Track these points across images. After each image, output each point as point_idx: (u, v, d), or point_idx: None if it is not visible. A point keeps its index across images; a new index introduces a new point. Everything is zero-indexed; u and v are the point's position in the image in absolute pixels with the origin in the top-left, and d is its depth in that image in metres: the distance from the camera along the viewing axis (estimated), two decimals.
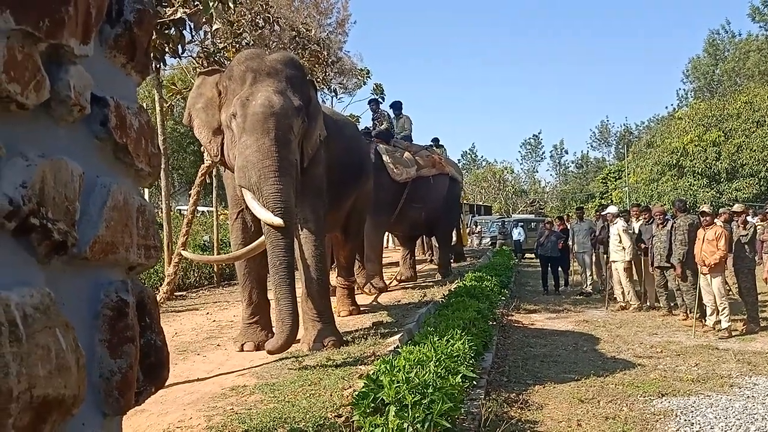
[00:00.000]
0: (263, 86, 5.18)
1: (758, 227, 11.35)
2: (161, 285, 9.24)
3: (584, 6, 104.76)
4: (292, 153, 5.17)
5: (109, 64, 0.84)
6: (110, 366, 0.76)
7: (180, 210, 17.97)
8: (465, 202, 17.39)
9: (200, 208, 21.43)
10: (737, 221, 9.02)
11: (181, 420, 3.65)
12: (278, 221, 4.89)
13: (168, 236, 9.97)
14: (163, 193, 10.46)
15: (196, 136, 5.92)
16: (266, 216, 4.95)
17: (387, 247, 17.66)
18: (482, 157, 70.67)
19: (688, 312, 9.00)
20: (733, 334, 7.92)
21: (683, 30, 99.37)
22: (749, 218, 11.22)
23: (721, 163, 27.75)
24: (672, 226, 9.30)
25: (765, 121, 27.19)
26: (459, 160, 57.70)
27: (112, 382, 0.77)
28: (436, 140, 16.05)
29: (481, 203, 41.75)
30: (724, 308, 7.98)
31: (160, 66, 8.97)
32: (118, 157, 0.83)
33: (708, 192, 27.15)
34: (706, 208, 8.85)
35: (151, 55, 8.54)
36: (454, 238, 14.23)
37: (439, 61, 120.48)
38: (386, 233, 13.44)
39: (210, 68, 6.63)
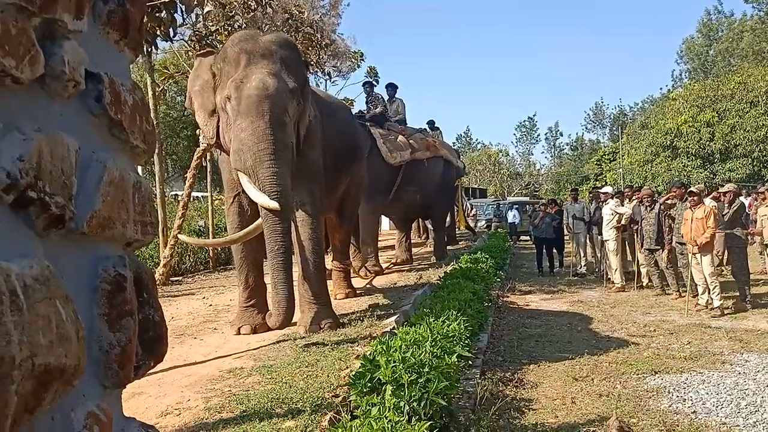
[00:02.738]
0: (258, 68, 5.13)
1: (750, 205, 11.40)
2: (157, 268, 9.25)
3: None
4: (287, 135, 5.14)
5: (102, 41, 0.84)
6: (109, 339, 0.78)
7: (174, 195, 17.93)
8: (460, 185, 17.39)
9: (194, 194, 21.39)
10: (724, 200, 9.07)
11: (179, 402, 3.68)
12: (274, 205, 4.87)
13: (163, 221, 9.96)
14: (156, 178, 10.43)
15: (197, 119, 5.89)
16: (262, 199, 4.94)
17: (383, 231, 17.69)
18: (477, 140, 70.77)
19: (680, 291, 9.10)
20: (725, 312, 7.99)
21: (678, 10, 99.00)
22: (742, 198, 11.30)
23: (714, 143, 27.82)
24: (660, 208, 9.43)
25: (759, 102, 27.24)
26: (454, 143, 57.63)
27: (112, 355, 0.78)
28: (431, 123, 16.04)
29: (476, 186, 41.79)
30: (715, 287, 8.05)
31: (151, 49, 8.92)
32: (113, 134, 0.84)
33: (701, 173, 27.26)
34: (694, 188, 8.87)
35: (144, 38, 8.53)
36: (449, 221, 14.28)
37: (434, 44, 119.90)
38: (382, 216, 13.47)
39: (206, 50, 6.59)
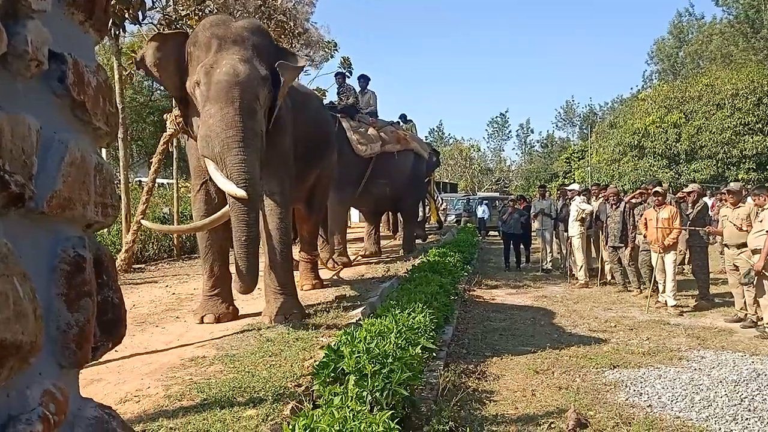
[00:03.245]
0: (228, 54, 5.06)
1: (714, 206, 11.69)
2: (118, 255, 9.09)
3: None
4: (257, 123, 5.08)
5: (67, 21, 0.84)
6: (67, 319, 0.78)
7: (139, 181, 17.63)
8: (432, 179, 17.50)
9: (160, 180, 21.05)
10: (688, 201, 9.30)
11: (138, 389, 3.65)
12: (241, 193, 4.82)
13: (126, 207, 9.80)
14: (121, 164, 10.26)
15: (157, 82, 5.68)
16: (230, 188, 4.88)
17: (352, 223, 17.71)
18: (449, 134, 71.05)
19: (641, 289, 9.32)
20: (684, 311, 8.22)
21: (652, 11, 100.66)
22: (705, 199, 11.61)
23: (680, 144, 28.44)
24: (625, 207, 9.64)
25: (725, 105, 27.91)
26: (426, 137, 57.84)
27: (69, 335, 0.78)
28: (403, 116, 16.06)
29: (447, 181, 42.01)
30: (673, 287, 8.27)
31: (119, 32, 8.74)
32: (75, 115, 0.84)
33: (667, 173, 27.84)
34: (659, 188, 9.06)
35: (111, 20, 8.34)
36: (422, 215, 14.34)
37: (409, 38, 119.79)
38: (351, 208, 13.46)
39: (172, 31, 6.46)
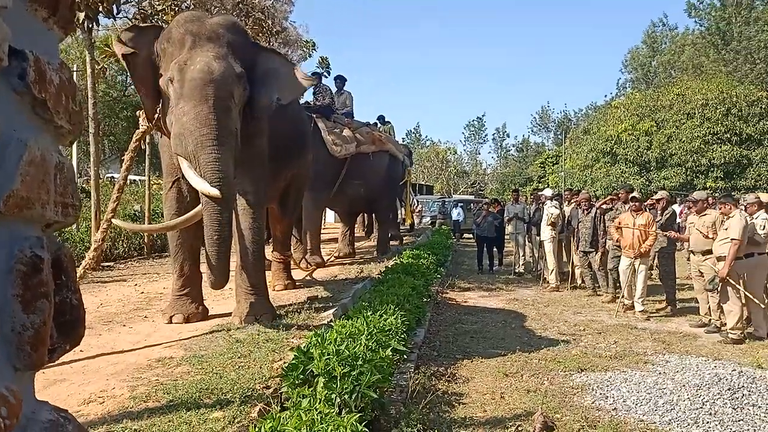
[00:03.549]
0: (203, 51, 5.00)
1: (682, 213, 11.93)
2: (87, 252, 8.92)
3: None
4: (232, 121, 5.03)
5: (29, 17, 0.83)
6: (23, 321, 0.77)
7: (111, 177, 17.35)
8: (408, 181, 17.55)
9: (132, 177, 20.73)
10: (657, 207, 9.48)
11: (103, 390, 3.59)
12: (215, 192, 4.77)
13: (96, 204, 9.64)
14: (92, 159, 10.08)
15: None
16: (203, 186, 4.82)
17: (326, 224, 17.66)
18: (426, 136, 71.25)
19: (611, 293, 9.46)
20: (651, 316, 8.36)
21: (626, 21, 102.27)
22: (675, 206, 11.85)
23: (651, 152, 28.94)
24: (596, 212, 9.79)
25: (695, 114, 28.49)
26: (403, 138, 57.95)
27: (25, 336, 0.77)
28: (381, 118, 16.07)
29: (423, 183, 42.13)
30: (643, 292, 8.41)
31: (92, 26, 8.60)
32: (36, 113, 0.82)
33: (638, 179, 28.30)
34: (636, 194, 9.15)
35: (84, 13, 8.20)
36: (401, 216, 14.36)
37: (387, 41, 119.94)
38: (326, 209, 13.43)
39: (146, 25, 6.37)
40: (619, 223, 8.72)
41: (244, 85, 5.23)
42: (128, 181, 12.00)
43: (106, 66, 11.02)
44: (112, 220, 5.47)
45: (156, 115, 5.42)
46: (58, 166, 0.86)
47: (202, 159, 4.82)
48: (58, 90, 0.86)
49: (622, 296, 8.77)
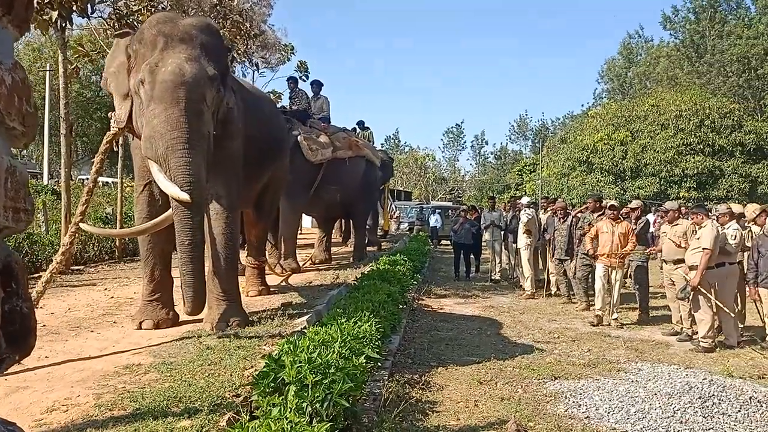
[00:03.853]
0: (175, 53, 4.93)
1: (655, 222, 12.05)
2: (55, 256, 8.75)
3: (511, 3, 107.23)
4: (204, 125, 4.96)
5: None
6: None
7: (83, 180, 17.08)
8: (386, 187, 17.58)
9: (105, 179, 20.40)
10: (631, 217, 9.56)
11: (67, 398, 3.49)
12: (185, 196, 4.70)
13: (66, 206, 9.45)
14: (63, 161, 9.89)
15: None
16: (173, 191, 4.75)
17: (303, 229, 17.57)
18: (405, 142, 71.44)
19: (589, 302, 9.49)
20: (624, 324, 8.41)
21: (604, 32, 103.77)
22: (649, 215, 11.99)
23: (626, 161, 29.36)
24: (572, 221, 9.84)
25: (669, 125, 29.00)
26: (382, 144, 58.01)
27: None
28: (361, 123, 16.07)
29: (401, 189, 42.22)
30: (617, 302, 8.44)
31: (65, 25, 8.45)
32: None
33: (613, 188, 28.67)
34: (615, 202, 9.15)
35: (57, 12, 8.05)
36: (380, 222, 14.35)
37: (367, 47, 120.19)
38: (303, 215, 13.34)
39: (124, 30, 6.29)
40: (596, 231, 8.59)
41: (218, 88, 5.16)
42: (100, 184, 11.84)
43: (79, 66, 10.82)
44: (81, 225, 5.37)
45: (127, 118, 5.33)
46: (9, 169, 0.82)
47: (173, 162, 4.75)
48: (11, 90, 0.82)
49: (598, 306, 8.57)
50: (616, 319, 8.38)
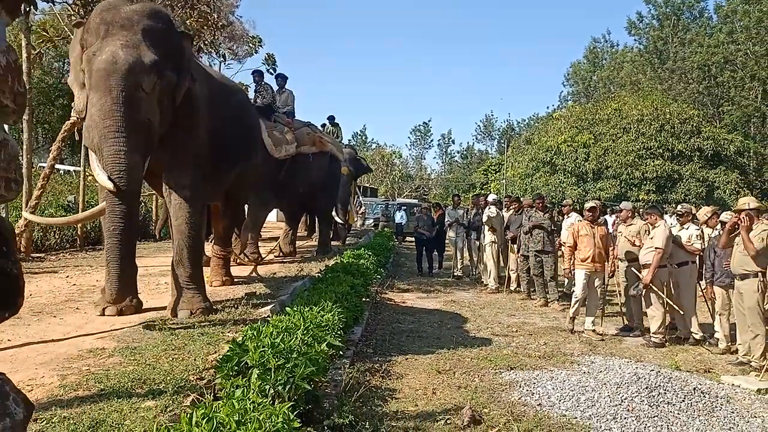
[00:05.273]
0: (113, 40, 4.93)
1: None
2: None
3: (481, 6, 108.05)
4: (140, 113, 4.97)
5: None
6: None
7: (42, 167, 16.75)
8: (354, 184, 17.67)
9: (68, 168, 19.97)
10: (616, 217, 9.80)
11: (32, 378, 3.52)
12: (109, 185, 4.78)
13: (27, 193, 9.31)
14: (24, 147, 9.72)
15: None
16: (102, 178, 4.84)
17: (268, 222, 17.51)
18: (373, 139, 71.47)
19: (546, 298, 9.74)
20: (601, 334, 7.74)
21: (570, 35, 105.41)
22: (607, 217, 12.34)
23: (589, 163, 29.92)
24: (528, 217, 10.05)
25: (630, 128, 29.66)
26: (350, 140, 57.93)
27: None
28: (331, 118, 16.10)
29: (367, 185, 42.24)
30: (597, 309, 8.03)
31: (29, 9, 8.32)
32: None
33: (575, 189, 29.21)
34: (594, 203, 8.54)
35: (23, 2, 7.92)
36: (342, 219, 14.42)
37: (337, 40, 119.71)
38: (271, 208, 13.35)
39: (81, 20, 6.25)
40: (577, 233, 7.99)
41: (159, 74, 5.11)
42: (61, 172, 11.58)
43: (42, 51, 10.64)
44: (24, 214, 5.42)
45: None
46: (3, 142, 0.90)
47: (105, 151, 4.83)
48: (5, 71, 0.90)
49: (572, 312, 7.88)
50: (593, 330, 7.70)
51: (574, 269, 8.06)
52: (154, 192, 11.31)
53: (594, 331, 7.70)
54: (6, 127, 0.99)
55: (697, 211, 8.39)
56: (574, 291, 8.09)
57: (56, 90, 23.76)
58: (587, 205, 8.37)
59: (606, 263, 7.97)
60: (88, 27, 5.14)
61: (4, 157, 0.91)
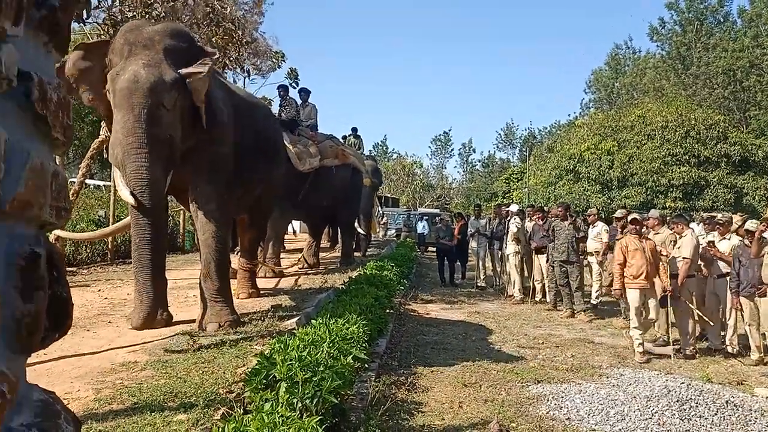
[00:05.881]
0: (135, 60, 5.08)
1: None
2: None
3: (502, 14, 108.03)
4: (162, 129, 5.10)
5: (33, 42, 0.93)
6: (21, 309, 0.86)
7: (73, 182, 17.14)
8: (375, 195, 17.77)
9: (98, 182, 20.36)
10: (617, 225, 9.75)
11: (67, 392, 3.61)
12: (131, 200, 4.96)
13: None
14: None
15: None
16: (124, 194, 5.01)
17: (291, 235, 17.66)
18: (393, 149, 71.66)
19: (572, 309, 9.67)
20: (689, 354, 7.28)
21: (591, 42, 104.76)
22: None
23: (613, 171, 29.63)
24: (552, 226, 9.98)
25: (655, 135, 29.32)
26: (371, 150, 58.09)
27: (22, 323, 0.86)
28: (354, 129, 16.31)
29: (389, 195, 42.34)
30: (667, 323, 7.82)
31: None
32: (37, 126, 0.93)
33: (600, 198, 28.94)
34: (636, 215, 8.13)
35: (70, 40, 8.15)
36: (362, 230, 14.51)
37: (357, 52, 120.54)
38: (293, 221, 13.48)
39: (96, 41, 6.43)
40: (626, 248, 7.31)
41: (180, 91, 5.24)
42: (92, 187, 11.83)
43: None
44: (55, 231, 5.58)
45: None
46: (54, 174, 0.97)
47: (128, 167, 4.99)
48: (57, 107, 0.97)
49: (637, 336, 7.12)
50: (678, 350, 7.20)
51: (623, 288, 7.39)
52: (181, 207, 11.51)
53: (678, 350, 7.22)
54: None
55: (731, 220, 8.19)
56: (629, 315, 7.51)
57: (86, 107, 24.26)
58: (619, 214, 8.14)
59: (657, 278, 7.27)
60: (113, 48, 5.30)
61: (56, 187, 0.97)
